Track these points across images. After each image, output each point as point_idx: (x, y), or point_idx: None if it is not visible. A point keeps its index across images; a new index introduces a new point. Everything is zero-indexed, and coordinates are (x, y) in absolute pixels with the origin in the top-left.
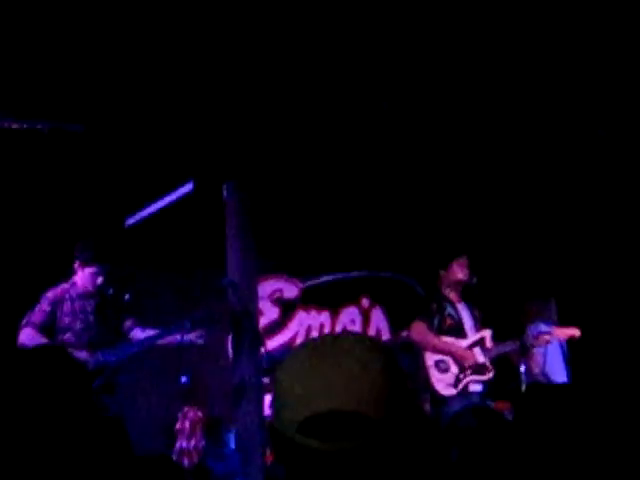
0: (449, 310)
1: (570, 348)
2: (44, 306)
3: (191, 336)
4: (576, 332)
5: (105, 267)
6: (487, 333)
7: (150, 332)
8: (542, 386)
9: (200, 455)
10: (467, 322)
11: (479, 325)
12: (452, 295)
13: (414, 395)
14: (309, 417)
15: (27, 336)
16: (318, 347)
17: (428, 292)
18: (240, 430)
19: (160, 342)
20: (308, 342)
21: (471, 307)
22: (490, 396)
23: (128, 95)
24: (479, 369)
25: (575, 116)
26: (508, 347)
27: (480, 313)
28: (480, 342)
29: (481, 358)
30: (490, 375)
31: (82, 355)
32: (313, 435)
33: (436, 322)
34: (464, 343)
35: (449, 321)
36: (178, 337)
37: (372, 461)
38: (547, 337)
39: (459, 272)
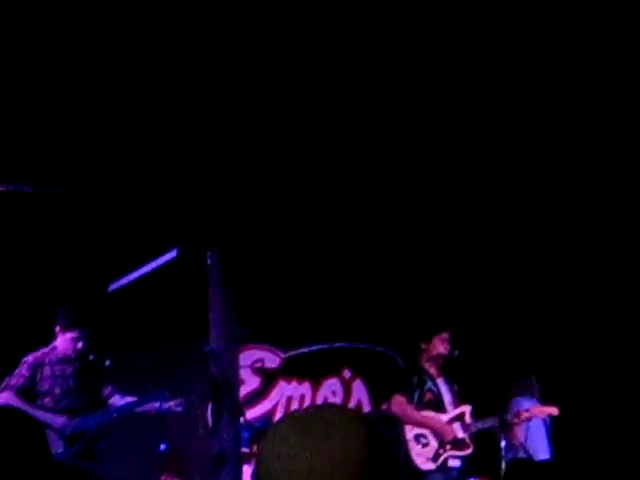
0: (429, 384)
1: (554, 424)
2: (23, 370)
3: (170, 404)
4: (554, 410)
5: (86, 332)
6: (467, 408)
7: (129, 399)
8: (523, 463)
9: None
10: (446, 397)
11: (457, 400)
12: (432, 369)
13: (398, 467)
14: None
15: (5, 400)
16: (304, 419)
17: (409, 365)
18: None
19: (139, 409)
20: (291, 416)
21: (449, 382)
22: (469, 472)
23: (113, 160)
24: (458, 444)
25: (557, 194)
26: (488, 423)
27: (458, 388)
28: (460, 417)
29: (460, 433)
30: (469, 451)
31: (60, 420)
32: None
33: (416, 396)
34: (444, 417)
35: (429, 395)
36: (157, 405)
37: None
38: (527, 414)
39: (440, 346)
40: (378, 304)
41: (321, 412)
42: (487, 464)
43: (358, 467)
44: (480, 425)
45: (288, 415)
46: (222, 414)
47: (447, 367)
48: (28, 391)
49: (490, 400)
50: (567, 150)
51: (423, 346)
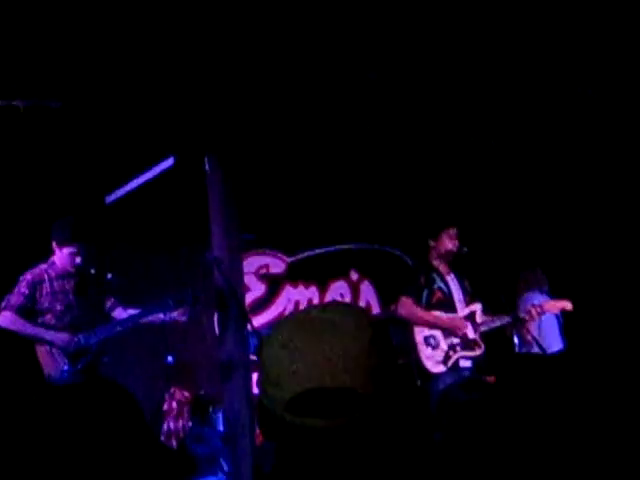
0: (438, 283)
1: (565, 317)
2: (22, 289)
3: (174, 314)
4: (567, 305)
5: (83, 246)
6: (477, 307)
7: (132, 311)
8: (534, 357)
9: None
10: (457, 295)
11: (468, 297)
12: (442, 267)
13: (404, 369)
14: (298, 394)
15: (6, 320)
16: (305, 320)
17: (416, 264)
18: (227, 410)
19: (143, 321)
20: (295, 314)
21: (461, 278)
22: (481, 372)
23: (106, 70)
24: (469, 344)
25: (564, 76)
26: (499, 322)
27: (469, 283)
28: (470, 316)
29: (471, 333)
30: (480, 351)
31: (64, 337)
32: (302, 413)
33: (424, 296)
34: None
35: (438, 294)
36: (161, 315)
37: (361, 437)
38: (539, 310)
39: (449, 243)
40: (383, 203)
41: (324, 312)
42: (498, 362)
43: (361, 370)
44: (491, 324)
45: (290, 315)
46: (228, 322)
47: (457, 263)
48: (29, 310)
49: (500, 297)
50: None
51: (431, 243)
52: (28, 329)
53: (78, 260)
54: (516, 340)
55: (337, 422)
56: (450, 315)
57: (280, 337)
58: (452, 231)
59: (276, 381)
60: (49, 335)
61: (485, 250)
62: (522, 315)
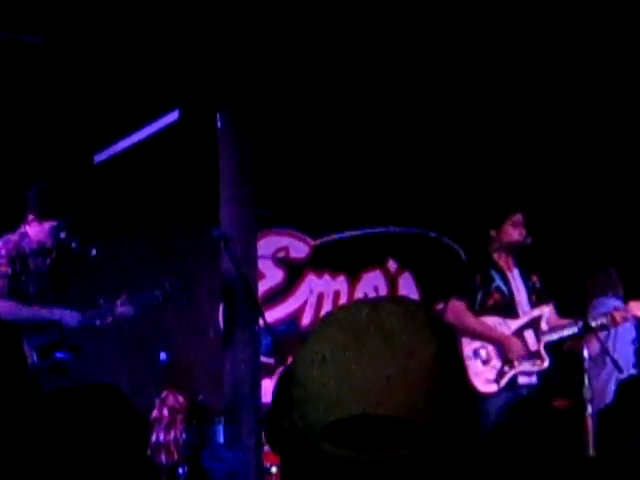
0: (497, 282)
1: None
2: (3, 268)
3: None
4: None
5: (69, 220)
6: (545, 311)
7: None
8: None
9: (180, 450)
10: (521, 296)
11: (535, 297)
12: (502, 261)
13: (472, 394)
14: (338, 420)
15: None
16: (351, 323)
17: (472, 258)
18: (230, 423)
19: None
20: (338, 314)
21: (527, 274)
22: (549, 390)
23: (99, 1)
24: (530, 358)
25: None
26: (569, 331)
27: (539, 280)
28: (533, 323)
29: (533, 344)
30: (544, 365)
31: (74, 316)
32: (343, 442)
33: (479, 298)
34: (513, 325)
35: (496, 296)
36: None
37: (414, 476)
38: (621, 314)
39: (514, 232)
40: (431, 178)
41: (377, 313)
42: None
43: (420, 394)
44: (560, 332)
45: (331, 317)
46: (236, 316)
47: (522, 257)
48: (18, 289)
49: (570, 302)
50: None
51: (492, 233)
52: (28, 311)
53: (63, 235)
54: (586, 354)
55: (385, 456)
56: (509, 324)
57: (319, 347)
58: (517, 218)
59: (313, 401)
60: (53, 312)
61: (551, 245)
62: (598, 321)
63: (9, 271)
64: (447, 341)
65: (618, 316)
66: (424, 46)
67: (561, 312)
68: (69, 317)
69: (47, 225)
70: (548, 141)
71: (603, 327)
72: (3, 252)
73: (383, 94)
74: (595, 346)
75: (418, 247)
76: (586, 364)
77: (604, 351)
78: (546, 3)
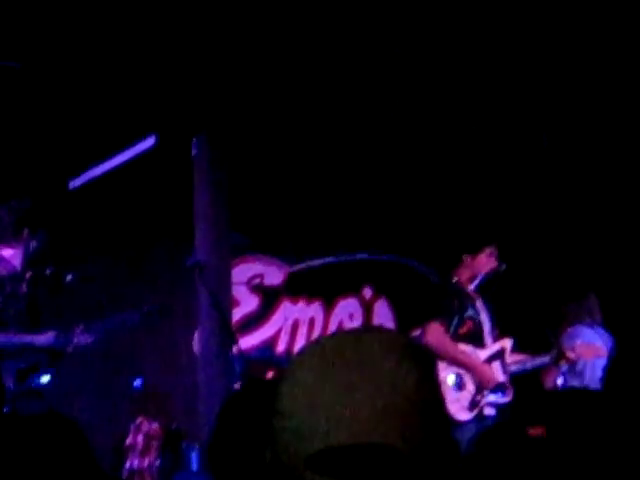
0: (470, 311)
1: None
2: None
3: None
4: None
5: (41, 234)
6: (507, 343)
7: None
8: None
9: (154, 477)
10: (485, 325)
11: (497, 330)
12: (470, 289)
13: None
14: (323, 449)
15: None
16: (333, 354)
17: (447, 283)
18: (204, 448)
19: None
20: (319, 345)
21: (488, 304)
22: (523, 420)
23: (77, 26)
24: (497, 389)
25: None
26: (536, 362)
27: (494, 311)
28: (500, 354)
29: (500, 375)
30: (509, 397)
31: (48, 336)
32: (327, 472)
33: (454, 325)
34: (482, 355)
35: (469, 324)
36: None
37: None
38: (592, 352)
39: (487, 264)
40: (406, 206)
41: (360, 344)
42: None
43: (403, 424)
44: (526, 364)
45: (314, 346)
46: (211, 343)
47: (485, 287)
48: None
49: (545, 330)
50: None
51: (467, 260)
52: (13, 339)
53: (33, 244)
54: (560, 382)
55: None
56: (478, 354)
57: (302, 378)
58: (493, 249)
59: (295, 432)
60: (30, 338)
61: (525, 272)
62: (569, 353)
63: None
64: (427, 370)
65: (591, 350)
66: (401, 76)
67: (533, 342)
68: (42, 338)
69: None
70: (521, 168)
71: (578, 357)
72: None
73: (358, 123)
74: (565, 373)
75: (393, 274)
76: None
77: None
78: (521, 30)
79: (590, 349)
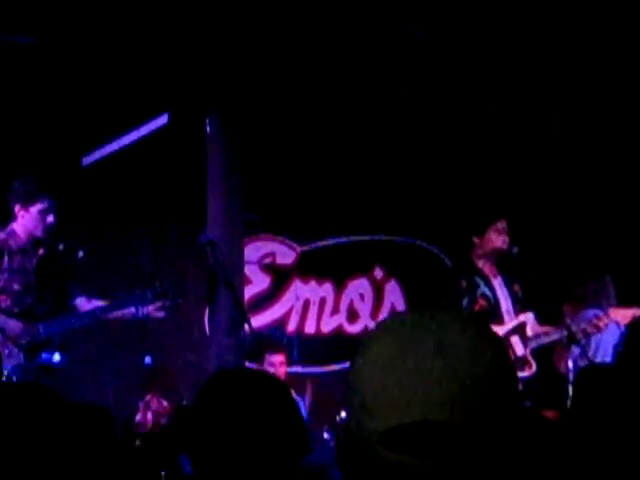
0: (482, 288)
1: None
2: None
3: (149, 308)
4: (638, 312)
5: (55, 202)
6: (529, 317)
7: (98, 303)
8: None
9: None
10: (504, 303)
11: (519, 306)
12: (487, 268)
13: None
14: (396, 426)
15: None
16: (407, 331)
17: (456, 264)
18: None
19: (111, 315)
20: (393, 322)
21: (510, 282)
22: (532, 396)
23: (90, 2)
24: (517, 363)
25: None
26: (554, 336)
27: (520, 287)
28: (519, 329)
29: (520, 350)
30: (531, 370)
31: (16, 325)
32: (402, 448)
33: (465, 304)
34: (499, 331)
35: (482, 302)
36: (132, 310)
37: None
38: (602, 321)
39: (497, 239)
40: (417, 187)
41: (435, 323)
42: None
43: (477, 403)
44: (544, 339)
45: (386, 322)
46: (222, 321)
47: (505, 264)
48: None
49: (550, 306)
50: None
51: (475, 240)
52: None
53: (50, 219)
54: (570, 365)
55: (445, 462)
56: (497, 331)
57: (377, 353)
58: (501, 225)
59: (369, 408)
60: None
61: (541, 251)
62: (581, 327)
63: None
64: (500, 350)
65: (599, 323)
66: (412, 56)
67: (542, 320)
68: (10, 327)
69: (34, 209)
70: (534, 148)
71: (586, 334)
72: None
73: (370, 102)
74: (576, 354)
75: (405, 255)
76: (571, 375)
77: (585, 359)
78: (534, 15)
79: (605, 318)
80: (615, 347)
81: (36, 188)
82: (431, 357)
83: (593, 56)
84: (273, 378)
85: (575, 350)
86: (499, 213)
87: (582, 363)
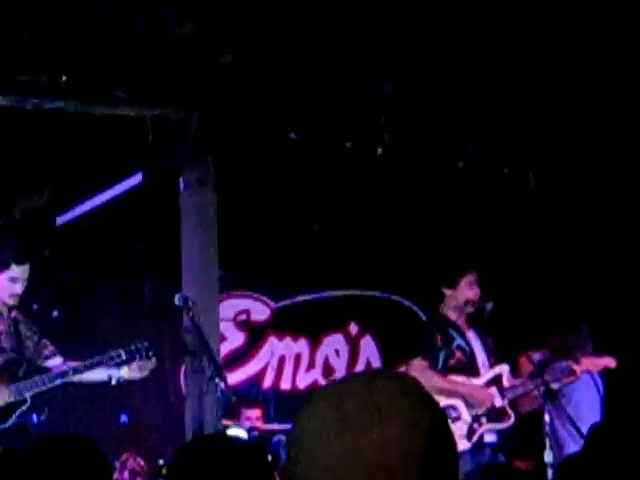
0: (458, 341)
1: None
2: None
3: (123, 372)
4: (611, 362)
5: (25, 271)
6: (504, 369)
7: (72, 364)
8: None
9: None
10: (479, 355)
11: (493, 358)
12: (460, 321)
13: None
14: None
15: None
16: (344, 399)
17: (430, 318)
18: None
19: (84, 377)
20: (329, 390)
21: (482, 335)
22: (509, 449)
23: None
24: (496, 414)
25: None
26: (529, 386)
27: (492, 341)
28: (496, 380)
29: (498, 401)
30: (510, 422)
31: None
32: None
33: (441, 358)
34: (478, 382)
35: (458, 355)
36: (106, 374)
37: None
38: (575, 370)
39: (469, 291)
40: (389, 243)
41: (372, 389)
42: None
43: (421, 462)
44: (520, 389)
45: (323, 390)
46: (198, 378)
47: (476, 318)
48: None
49: (530, 358)
50: None
51: (447, 292)
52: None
53: (19, 289)
54: (547, 418)
55: None
56: (472, 382)
57: (315, 423)
58: (472, 277)
59: (312, 477)
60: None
61: (514, 304)
62: (554, 377)
63: None
64: (438, 413)
65: (577, 370)
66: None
67: (515, 374)
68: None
69: (3, 276)
70: (506, 201)
71: (559, 383)
72: None
73: (342, 156)
74: (552, 410)
75: (379, 309)
76: (547, 428)
77: (562, 411)
78: (503, 64)
79: (579, 367)
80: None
81: (10, 254)
82: (370, 425)
83: (565, 110)
84: (249, 445)
85: (550, 404)
86: (469, 265)
87: (557, 418)
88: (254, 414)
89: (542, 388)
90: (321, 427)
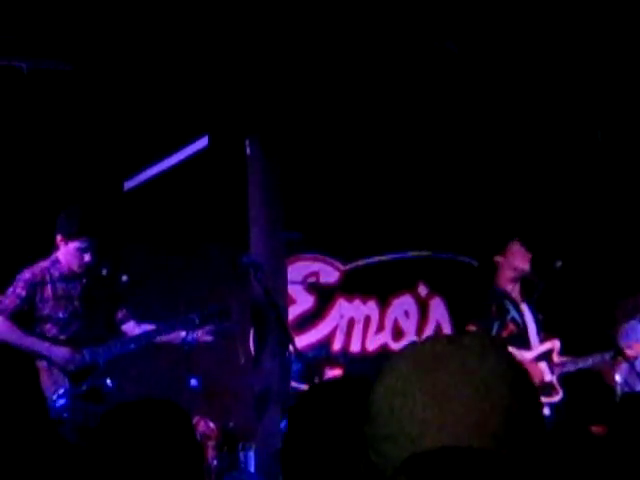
0: (512, 313)
1: None
2: (19, 290)
3: (198, 333)
4: None
5: (94, 241)
6: (555, 344)
7: (147, 327)
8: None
9: (211, 477)
10: (532, 328)
11: (542, 333)
12: (515, 292)
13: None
14: (417, 454)
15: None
16: (427, 358)
17: (487, 288)
18: (261, 449)
19: (160, 339)
20: (412, 349)
21: (534, 309)
22: (561, 421)
23: (128, 26)
24: (545, 389)
25: None
26: (582, 364)
27: (543, 319)
28: (547, 355)
29: (548, 376)
30: (558, 397)
31: (63, 352)
32: (421, 477)
33: (495, 328)
34: (527, 356)
35: (511, 327)
36: (182, 334)
37: None
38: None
39: (519, 258)
40: (462, 203)
41: (454, 347)
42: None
43: (500, 427)
44: (572, 366)
45: (407, 349)
46: (267, 342)
47: (529, 294)
48: (25, 315)
49: (603, 330)
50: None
51: (499, 260)
52: (22, 339)
53: (87, 258)
54: (618, 378)
55: None
56: (523, 355)
57: (396, 380)
58: (518, 244)
59: (389, 436)
60: (45, 348)
61: (572, 270)
62: (627, 350)
63: (24, 294)
64: (521, 374)
65: (631, 352)
66: (439, 70)
67: (586, 341)
68: (57, 354)
69: (72, 245)
70: (574, 163)
71: (624, 358)
72: (27, 276)
73: (408, 120)
74: (624, 369)
75: (449, 271)
76: (618, 388)
77: (634, 373)
78: (575, 27)
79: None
80: None
81: (77, 225)
82: (454, 383)
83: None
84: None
85: (623, 366)
86: (515, 232)
87: (632, 380)
88: (337, 374)
89: (609, 355)
90: (405, 385)
